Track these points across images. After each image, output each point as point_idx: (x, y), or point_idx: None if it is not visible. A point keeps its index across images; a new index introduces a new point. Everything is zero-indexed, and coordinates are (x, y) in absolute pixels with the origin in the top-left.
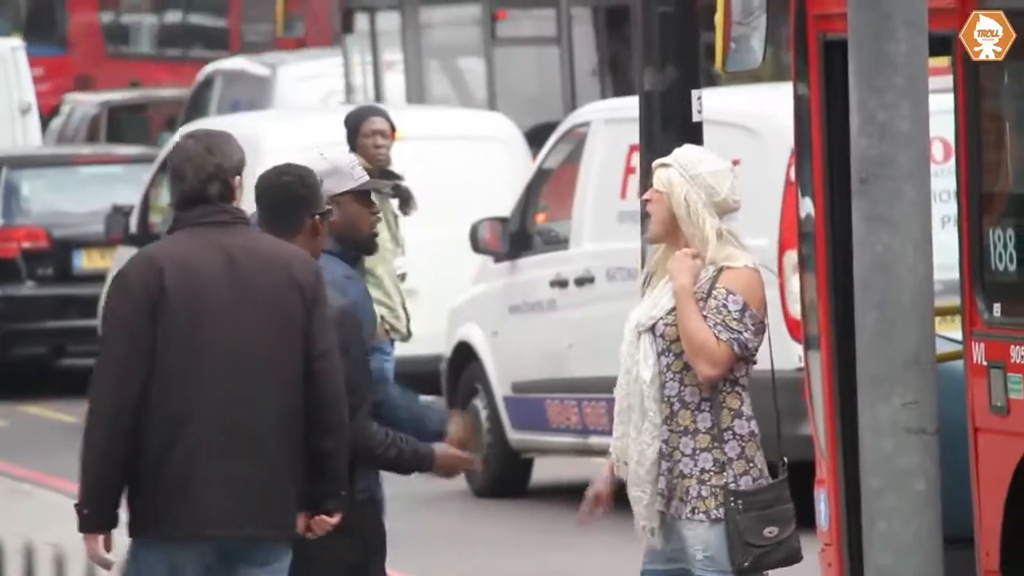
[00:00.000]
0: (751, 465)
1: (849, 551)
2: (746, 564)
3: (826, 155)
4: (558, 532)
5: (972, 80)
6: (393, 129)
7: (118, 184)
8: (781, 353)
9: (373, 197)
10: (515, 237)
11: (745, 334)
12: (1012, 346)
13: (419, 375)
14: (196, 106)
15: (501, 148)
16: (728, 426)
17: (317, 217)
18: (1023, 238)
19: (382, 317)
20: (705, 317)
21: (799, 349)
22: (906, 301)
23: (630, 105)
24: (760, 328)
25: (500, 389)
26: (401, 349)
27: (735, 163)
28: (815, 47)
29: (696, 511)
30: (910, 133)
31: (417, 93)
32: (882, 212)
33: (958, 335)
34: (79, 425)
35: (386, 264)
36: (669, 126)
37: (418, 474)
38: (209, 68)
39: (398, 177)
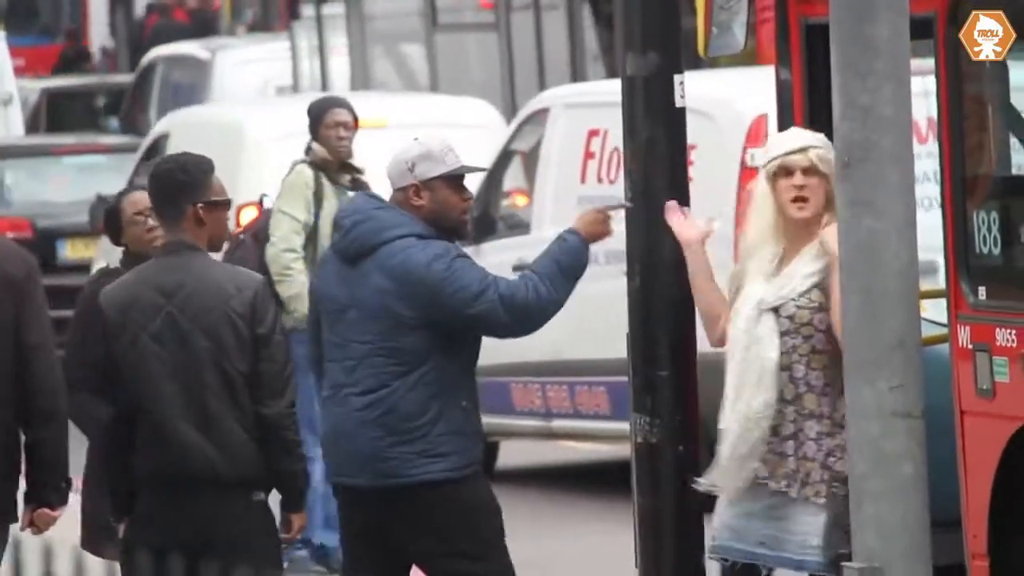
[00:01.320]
0: None
1: None
2: (843, 551)
3: None
4: (528, 517)
5: (954, 62)
6: (356, 120)
7: (102, 173)
8: None
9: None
10: (478, 222)
11: None
12: (997, 329)
13: None
14: (138, 91)
15: (487, 136)
16: (843, 412)
17: (200, 206)
18: (1007, 221)
19: None
20: None
21: None
22: (891, 285)
23: (590, 90)
24: None
25: None
26: None
27: (691, 148)
28: (797, 31)
29: (819, 495)
30: (893, 117)
31: (362, 79)
32: (866, 196)
33: (934, 317)
34: None
35: None
36: (651, 111)
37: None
38: (152, 54)
39: (358, 171)
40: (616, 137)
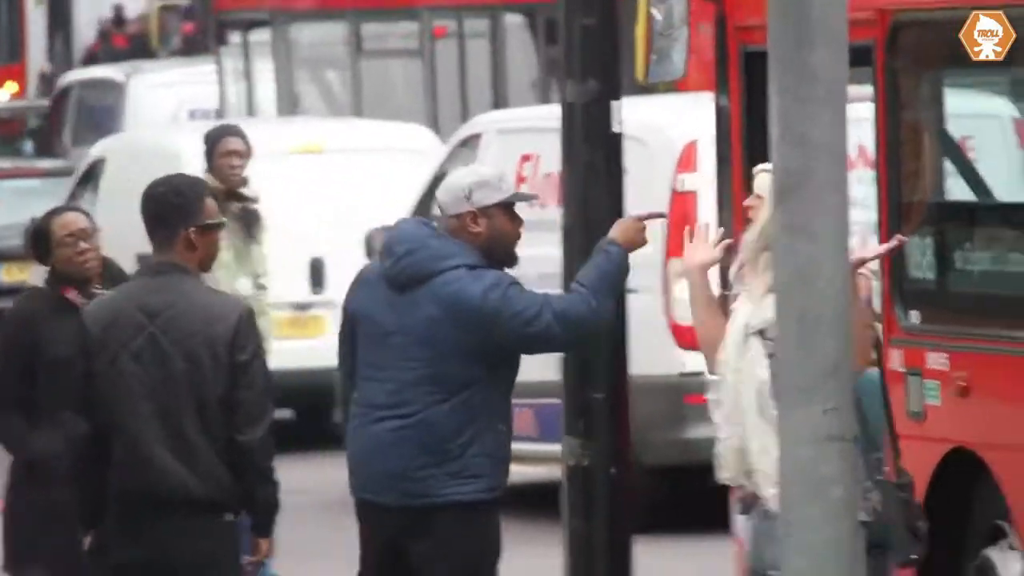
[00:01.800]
0: None
1: None
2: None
3: (747, 165)
4: None
5: (892, 90)
6: (249, 148)
7: (37, 198)
8: (664, 358)
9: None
10: None
11: None
12: (928, 352)
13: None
14: (55, 114)
15: (423, 161)
16: None
17: (193, 230)
18: (941, 246)
19: None
20: None
21: (682, 355)
22: (826, 311)
23: (522, 116)
24: None
25: None
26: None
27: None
28: (736, 58)
29: None
30: (830, 143)
31: (288, 104)
32: (802, 223)
33: None
34: None
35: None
36: (590, 137)
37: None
38: (68, 77)
39: (249, 199)
40: (548, 162)
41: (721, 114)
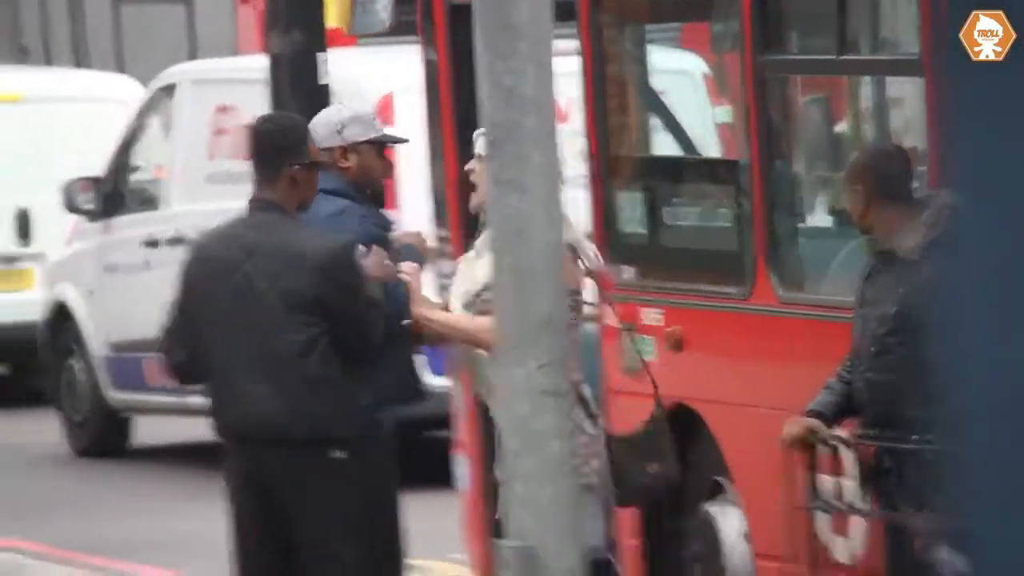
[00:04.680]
0: None
1: (488, 513)
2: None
3: (456, 119)
4: (163, 496)
5: (596, 45)
6: None
7: None
8: None
9: None
10: (108, 196)
11: None
12: (642, 308)
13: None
14: None
15: (125, 111)
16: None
17: (296, 168)
18: (652, 201)
19: None
20: None
21: None
22: (538, 264)
23: (217, 67)
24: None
25: (97, 348)
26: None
27: None
28: (441, 12)
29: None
30: (535, 97)
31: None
32: (511, 176)
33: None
34: None
35: None
36: (296, 89)
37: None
38: None
39: None
40: (245, 113)
41: (429, 68)
